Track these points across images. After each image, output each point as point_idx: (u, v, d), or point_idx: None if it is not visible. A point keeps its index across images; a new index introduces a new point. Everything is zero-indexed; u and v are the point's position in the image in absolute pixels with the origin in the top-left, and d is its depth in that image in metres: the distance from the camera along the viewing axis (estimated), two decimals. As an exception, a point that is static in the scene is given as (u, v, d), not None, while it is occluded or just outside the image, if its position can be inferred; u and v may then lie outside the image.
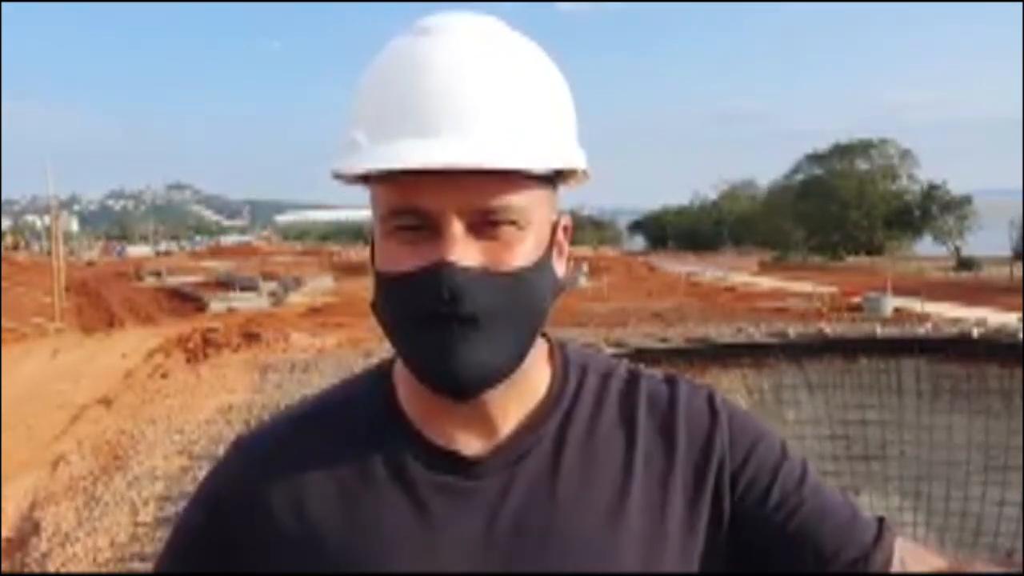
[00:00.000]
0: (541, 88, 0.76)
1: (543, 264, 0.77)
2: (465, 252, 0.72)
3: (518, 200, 0.73)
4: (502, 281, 0.73)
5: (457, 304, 0.71)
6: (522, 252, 0.74)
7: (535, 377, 0.82)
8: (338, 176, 0.78)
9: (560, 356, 0.86)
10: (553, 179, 0.78)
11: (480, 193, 0.72)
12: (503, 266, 0.73)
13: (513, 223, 0.73)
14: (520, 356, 0.77)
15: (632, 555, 0.78)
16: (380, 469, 0.80)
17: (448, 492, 0.78)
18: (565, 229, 0.81)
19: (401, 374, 0.83)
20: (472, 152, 0.70)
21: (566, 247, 0.82)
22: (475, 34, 0.74)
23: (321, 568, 0.78)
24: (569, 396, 0.84)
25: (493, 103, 0.72)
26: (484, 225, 0.73)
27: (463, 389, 0.75)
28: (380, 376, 0.86)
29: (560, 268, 0.81)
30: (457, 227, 0.72)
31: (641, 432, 0.83)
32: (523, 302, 0.75)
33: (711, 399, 0.86)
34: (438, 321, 0.72)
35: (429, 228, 0.72)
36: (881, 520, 0.83)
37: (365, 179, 0.77)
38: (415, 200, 0.72)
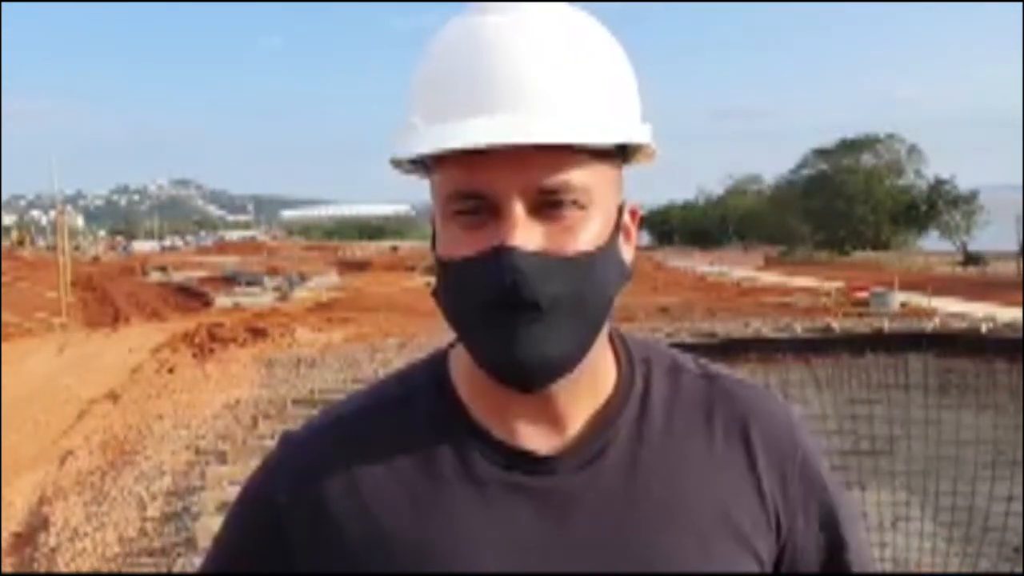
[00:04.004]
0: (600, 61, 0.73)
1: (608, 248, 0.73)
2: (527, 235, 0.69)
3: (581, 178, 0.70)
4: (566, 266, 0.70)
5: (519, 290, 0.68)
6: (586, 235, 0.71)
7: (602, 371, 0.79)
8: (397, 164, 0.76)
9: (623, 348, 0.82)
10: (617, 157, 0.74)
11: (541, 171, 0.69)
12: (566, 250, 0.70)
13: (576, 203, 0.70)
14: (585, 346, 0.74)
15: (712, 565, 0.75)
16: (446, 467, 0.76)
17: (520, 492, 0.75)
18: (632, 213, 0.78)
19: (460, 366, 0.80)
20: (531, 128, 0.67)
21: (634, 232, 0.78)
22: (530, 10, 0.72)
23: (391, 570, 0.74)
24: (639, 392, 0.80)
25: (550, 77, 0.69)
26: (546, 206, 0.70)
27: (527, 380, 0.71)
28: (435, 368, 0.82)
29: (628, 254, 0.77)
30: (519, 209, 0.69)
31: (719, 437, 0.79)
32: (588, 288, 0.71)
33: (790, 419, 0.83)
34: (500, 308, 0.69)
35: (490, 211, 0.70)
36: None
37: (424, 166, 0.74)
38: (474, 182, 0.69)
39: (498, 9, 0.72)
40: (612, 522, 0.75)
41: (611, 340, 0.81)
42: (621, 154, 0.75)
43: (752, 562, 0.77)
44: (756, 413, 0.81)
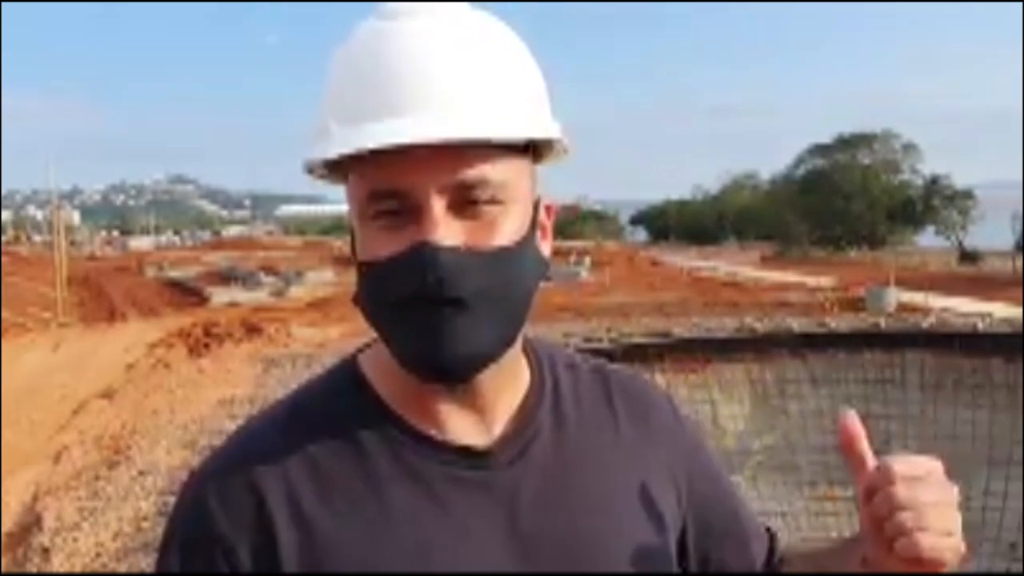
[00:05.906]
0: (507, 60, 0.75)
1: (526, 243, 0.75)
2: (447, 232, 0.70)
3: (497, 173, 0.72)
4: (487, 260, 0.71)
5: (442, 286, 0.69)
6: (506, 230, 0.73)
7: (520, 366, 0.82)
8: (311, 170, 0.77)
9: (528, 345, 0.86)
10: (531, 153, 0.77)
11: (458, 168, 0.70)
12: (487, 245, 0.71)
13: (495, 199, 0.72)
14: (507, 340, 0.76)
15: (647, 541, 0.80)
16: (384, 469, 0.76)
17: (465, 486, 0.76)
18: (548, 209, 0.80)
19: (376, 367, 0.80)
20: (442, 126, 0.68)
21: (549, 228, 0.81)
22: (437, 14, 0.73)
23: None
24: (551, 386, 0.84)
25: (459, 77, 0.71)
26: (465, 203, 0.71)
27: (451, 373, 0.73)
28: (349, 372, 0.82)
29: (545, 249, 0.80)
30: (438, 206, 0.70)
31: (623, 423, 0.85)
32: (508, 283, 0.73)
33: (671, 402, 0.92)
34: (423, 305, 0.70)
35: (409, 210, 0.71)
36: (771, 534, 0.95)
37: (338, 171, 0.75)
38: (392, 181, 0.70)
39: (405, 13, 0.73)
40: (551, 511, 0.77)
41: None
42: (534, 151, 0.77)
43: (667, 536, 0.82)
44: (646, 400, 0.89)
